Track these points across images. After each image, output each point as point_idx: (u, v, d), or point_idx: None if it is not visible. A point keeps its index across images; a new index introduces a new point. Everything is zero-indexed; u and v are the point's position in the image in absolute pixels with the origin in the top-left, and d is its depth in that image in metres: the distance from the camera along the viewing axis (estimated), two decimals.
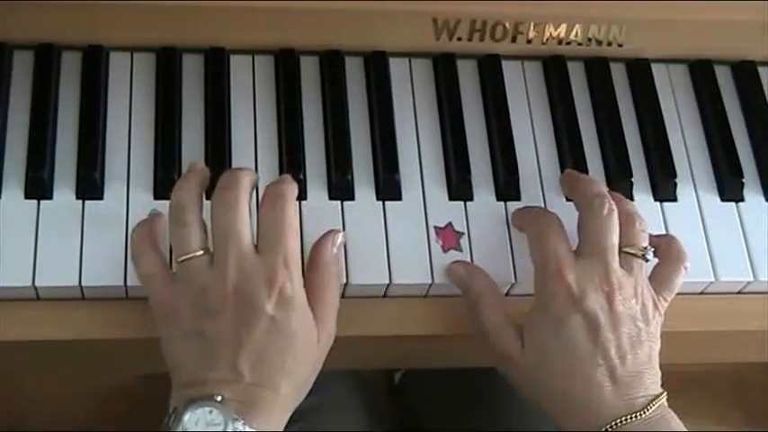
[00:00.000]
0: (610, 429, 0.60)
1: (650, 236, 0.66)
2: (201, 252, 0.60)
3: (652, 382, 0.62)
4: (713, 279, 0.70)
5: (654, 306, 0.64)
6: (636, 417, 0.60)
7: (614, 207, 0.64)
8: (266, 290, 0.58)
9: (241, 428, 0.55)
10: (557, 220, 0.65)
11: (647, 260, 0.64)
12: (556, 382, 0.62)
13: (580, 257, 0.63)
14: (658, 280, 0.65)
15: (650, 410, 0.60)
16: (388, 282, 0.66)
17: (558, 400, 0.62)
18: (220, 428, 0.55)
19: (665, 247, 0.66)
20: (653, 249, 0.65)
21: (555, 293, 0.62)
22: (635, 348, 0.62)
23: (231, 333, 0.58)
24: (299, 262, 0.61)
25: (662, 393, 0.62)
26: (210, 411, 0.55)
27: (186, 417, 0.55)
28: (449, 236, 0.69)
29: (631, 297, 0.62)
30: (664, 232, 0.71)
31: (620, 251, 0.64)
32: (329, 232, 0.64)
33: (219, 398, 0.56)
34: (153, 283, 0.62)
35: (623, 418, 0.60)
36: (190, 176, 0.62)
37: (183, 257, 0.60)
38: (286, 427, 0.60)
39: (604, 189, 0.66)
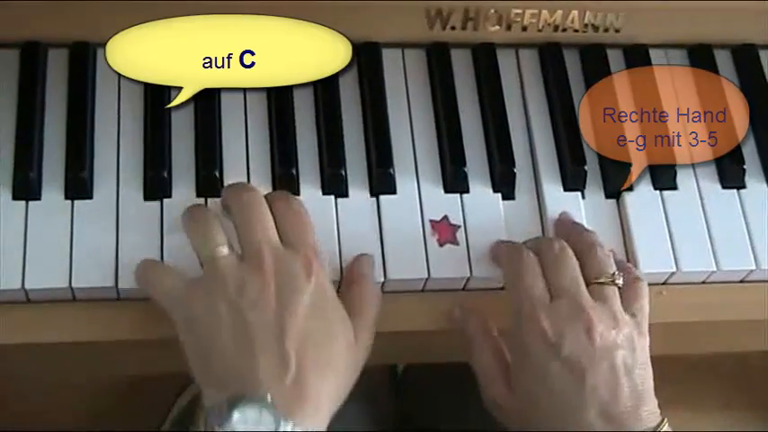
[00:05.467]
0: None
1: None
2: (228, 250, 0.60)
3: (649, 413, 0.60)
4: (715, 268, 0.69)
5: (637, 330, 0.62)
6: None
7: (564, 244, 0.63)
8: (304, 275, 0.59)
9: (291, 429, 0.54)
10: (531, 259, 0.63)
11: (618, 286, 0.63)
12: (547, 426, 0.60)
13: (552, 300, 0.61)
14: (627, 301, 0.63)
15: None
16: (383, 277, 0.66)
17: None
18: (271, 428, 0.53)
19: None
20: (621, 273, 0.63)
21: (532, 340, 0.60)
22: (625, 380, 0.59)
23: (275, 319, 0.57)
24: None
25: (661, 422, 0.60)
26: (260, 411, 0.54)
27: (235, 416, 0.54)
28: (445, 229, 0.68)
29: (611, 327, 0.60)
30: (664, 222, 0.70)
31: (590, 284, 0.62)
32: (363, 255, 0.65)
33: (269, 397, 0.55)
34: (176, 292, 0.60)
35: None
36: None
37: (211, 253, 0.60)
38: None
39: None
